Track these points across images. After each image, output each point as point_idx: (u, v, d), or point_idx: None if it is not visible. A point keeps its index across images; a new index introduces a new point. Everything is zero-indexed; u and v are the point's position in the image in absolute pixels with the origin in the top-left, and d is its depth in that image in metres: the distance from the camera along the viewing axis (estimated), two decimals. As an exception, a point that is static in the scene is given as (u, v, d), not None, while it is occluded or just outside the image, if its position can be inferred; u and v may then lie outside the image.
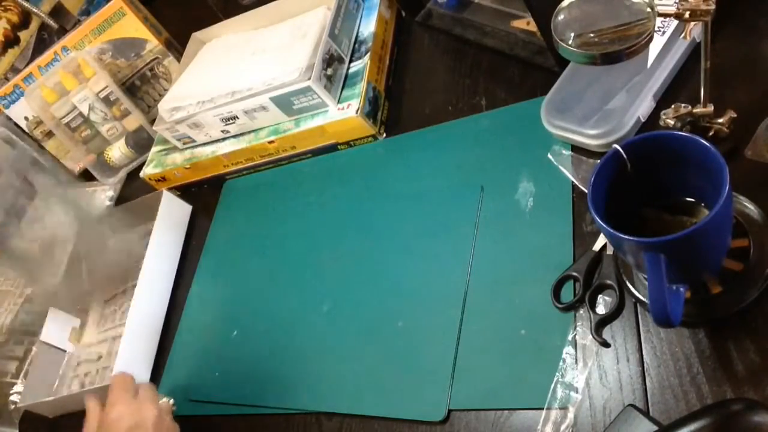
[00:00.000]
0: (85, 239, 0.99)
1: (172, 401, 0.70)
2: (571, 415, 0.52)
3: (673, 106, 0.56)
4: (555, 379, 0.54)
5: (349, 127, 0.82)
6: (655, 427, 0.47)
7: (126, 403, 0.63)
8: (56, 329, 0.90)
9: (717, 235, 0.46)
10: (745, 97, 0.58)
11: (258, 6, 1.00)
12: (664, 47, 0.63)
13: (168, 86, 1.11)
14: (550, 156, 0.67)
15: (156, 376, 0.80)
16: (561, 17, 0.47)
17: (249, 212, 0.90)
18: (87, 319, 0.93)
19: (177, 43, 1.13)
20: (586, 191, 0.62)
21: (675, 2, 0.46)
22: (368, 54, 0.85)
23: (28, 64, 1.13)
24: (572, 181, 0.64)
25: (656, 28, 0.46)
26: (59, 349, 0.89)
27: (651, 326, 0.53)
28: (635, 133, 0.62)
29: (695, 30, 0.59)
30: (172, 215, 0.93)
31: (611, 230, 0.44)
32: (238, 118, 0.87)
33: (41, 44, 1.20)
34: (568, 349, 0.55)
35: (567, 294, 0.58)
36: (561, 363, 0.55)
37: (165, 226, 0.91)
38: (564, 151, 0.66)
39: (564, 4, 0.47)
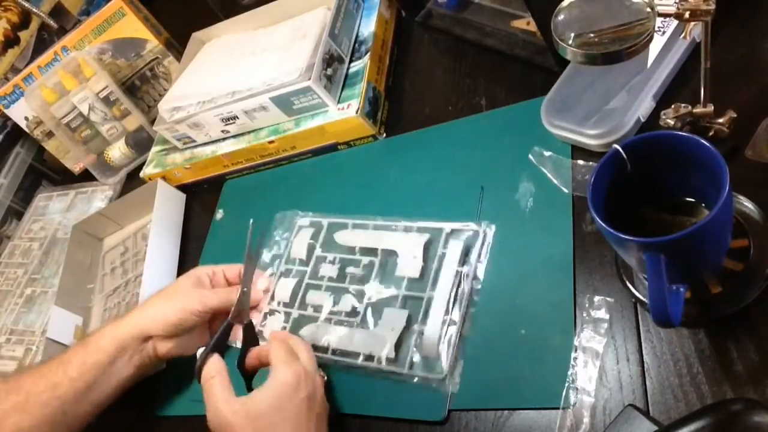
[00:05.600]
0: (84, 238, 0.99)
1: (325, 377, 0.65)
2: (571, 414, 0.52)
3: (673, 106, 0.56)
4: (555, 379, 0.54)
5: (349, 127, 0.82)
6: (655, 427, 0.47)
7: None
8: (61, 326, 0.89)
9: (717, 235, 0.46)
10: (745, 97, 0.58)
11: (258, 6, 1.00)
12: (664, 47, 0.63)
13: (168, 86, 1.11)
14: (530, 157, 0.67)
15: (158, 372, 0.79)
16: (561, 17, 0.47)
17: (249, 212, 0.90)
18: (90, 315, 0.93)
19: (177, 43, 1.13)
20: (569, 191, 0.62)
21: (675, 2, 0.46)
22: (368, 54, 0.85)
23: (28, 64, 1.13)
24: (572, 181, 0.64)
25: (656, 28, 0.46)
26: (65, 346, 0.89)
27: (651, 326, 0.53)
28: (635, 133, 0.62)
29: (695, 30, 0.59)
30: (168, 204, 0.93)
31: (611, 230, 0.44)
32: (238, 118, 0.87)
33: (41, 44, 1.20)
34: (568, 349, 0.55)
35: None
36: (561, 363, 0.55)
37: (163, 214, 0.91)
38: (545, 153, 0.66)
39: (564, 4, 0.47)
